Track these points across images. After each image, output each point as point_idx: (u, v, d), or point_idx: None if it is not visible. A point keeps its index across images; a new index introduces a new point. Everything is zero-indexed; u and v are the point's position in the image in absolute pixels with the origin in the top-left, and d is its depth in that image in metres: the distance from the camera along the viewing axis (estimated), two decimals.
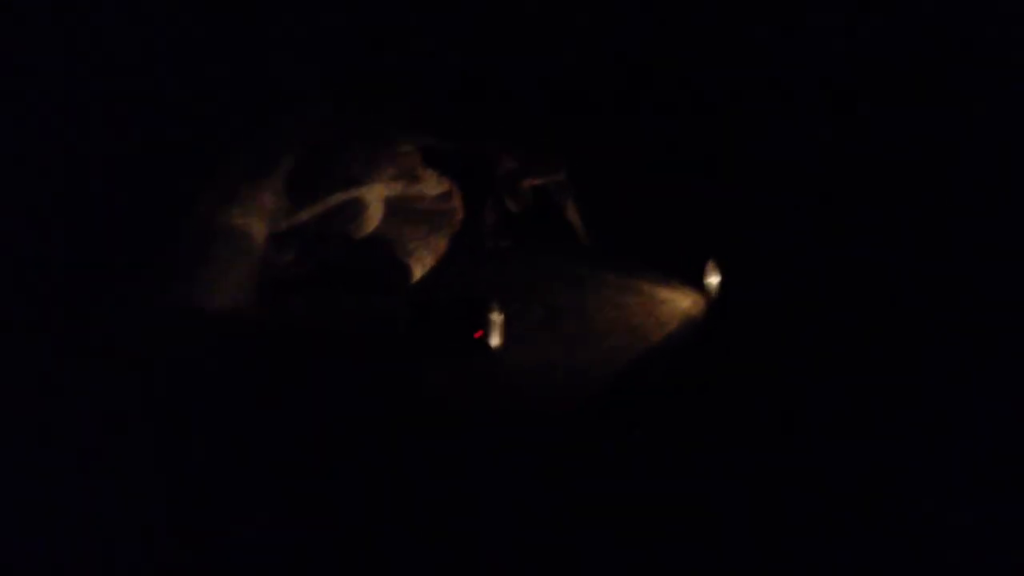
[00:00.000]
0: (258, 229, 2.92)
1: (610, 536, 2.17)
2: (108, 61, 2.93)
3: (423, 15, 3.17)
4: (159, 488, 2.24)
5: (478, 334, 2.74)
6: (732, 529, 2.23)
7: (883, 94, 3.05)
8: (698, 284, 3.22)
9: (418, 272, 3.13)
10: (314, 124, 3.10)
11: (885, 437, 2.46)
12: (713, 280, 3.18)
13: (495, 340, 2.76)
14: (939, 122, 2.93)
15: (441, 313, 2.81)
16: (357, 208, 3.08)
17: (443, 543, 2.16)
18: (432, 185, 3.27)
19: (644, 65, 3.27)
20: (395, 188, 3.16)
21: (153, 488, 2.23)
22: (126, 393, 2.49)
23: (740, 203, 3.21)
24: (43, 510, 2.09)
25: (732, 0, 3.22)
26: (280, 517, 2.19)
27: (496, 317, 2.81)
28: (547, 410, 2.59)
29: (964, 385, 2.49)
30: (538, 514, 2.24)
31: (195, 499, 2.22)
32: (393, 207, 3.19)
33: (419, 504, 2.26)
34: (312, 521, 2.19)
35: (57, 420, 2.38)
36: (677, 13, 3.22)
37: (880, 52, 3.06)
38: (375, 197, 3.11)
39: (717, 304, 3.14)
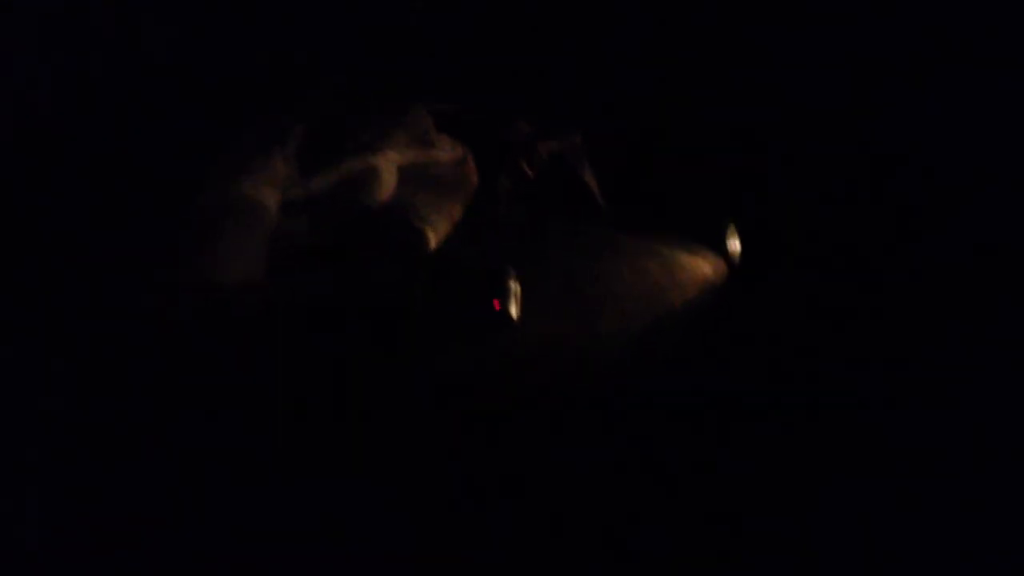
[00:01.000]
0: (271, 199, 2.88)
1: (631, 510, 2.16)
2: (118, 34, 2.89)
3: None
4: (170, 466, 2.25)
5: (496, 304, 2.70)
6: (752, 504, 2.23)
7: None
8: (720, 249, 3.16)
9: (433, 240, 3.07)
10: (327, 94, 3.04)
11: (908, 412, 2.44)
12: (735, 245, 3.12)
13: (513, 310, 2.72)
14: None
15: (457, 283, 2.77)
16: (370, 176, 3.02)
17: (463, 519, 2.15)
18: (446, 151, 3.21)
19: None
20: (408, 155, 3.10)
21: (164, 466, 2.24)
22: (140, 371, 2.49)
23: (762, 168, 3.16)
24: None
25: None
26: (292, 497, 2.19)
27: (514, 286, 2.76)
28: (566, 381, 2.57)
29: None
30: (559, 489, 2.23)
31: (206, 477, 2.23)
32: (407, 174, 3.13)
33: (438, 480, 2.25)
34: (326, 499, 2.19)
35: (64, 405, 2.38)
36: None
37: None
38: (388, 164, 3.06)
39: (739, 270, 3.09)
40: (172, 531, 2.15)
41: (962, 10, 2.82)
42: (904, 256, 2.87)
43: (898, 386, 2.52)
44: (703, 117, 3.33)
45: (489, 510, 2.19)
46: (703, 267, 3.11)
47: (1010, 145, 2.77)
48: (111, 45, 2.98)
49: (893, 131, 2.96)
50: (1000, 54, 2.79)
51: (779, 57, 3.14)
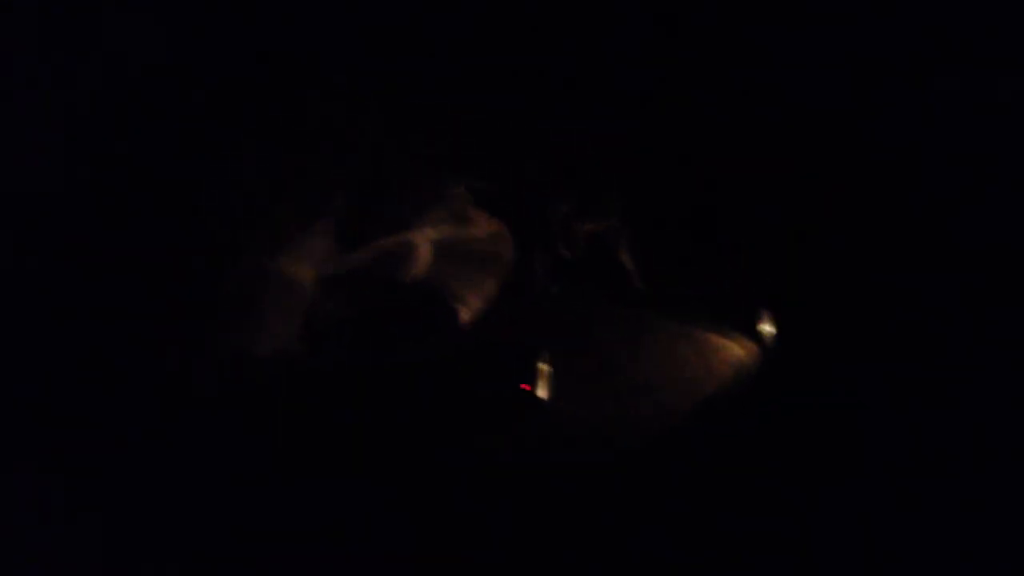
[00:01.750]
0: (308, 275, 2.90)
1: None
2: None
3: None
4: (202, 534, 2.26)
5: (526, 387, 2.69)
6: None
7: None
8: (752, 332, 3.13)
9: (466, 317, 3.07)
10: (362, 167, 3.07)
11: (946, 495, 2.40)
12: (767, 327, 3.09)
13: (543, 392, 2.70)
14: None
15: (486, 364, 2.76)
16: (406, 251, 3.04)
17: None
18: (482, 227, 3.21)
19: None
20: (445, 231, 3.11)
21: (195, 534, 2.25)
22: (171, 440, 2.51)
23: (794, 248, 3.14)
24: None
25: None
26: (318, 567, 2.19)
27: (544, 367, 2.75)
28: (597, 467, 2.54)
29: None
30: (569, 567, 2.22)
31: (234, 548, 2.24)
32: (442, 250, 3.14)
33: (466, 564, 2.24)
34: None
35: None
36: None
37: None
38: (424, 240, 3.07)
39: (772, 353, 3.06)
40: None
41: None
42: (943, 333, 2.82)
43: (941, 469, 2.47)
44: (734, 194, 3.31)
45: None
46: (736, 350, 3.08)
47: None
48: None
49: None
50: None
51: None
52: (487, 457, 2.56)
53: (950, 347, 2.68)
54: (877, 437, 2.58)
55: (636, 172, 3.27)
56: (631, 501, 2.44)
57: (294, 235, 2.90)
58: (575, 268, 3.34)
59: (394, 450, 2.56)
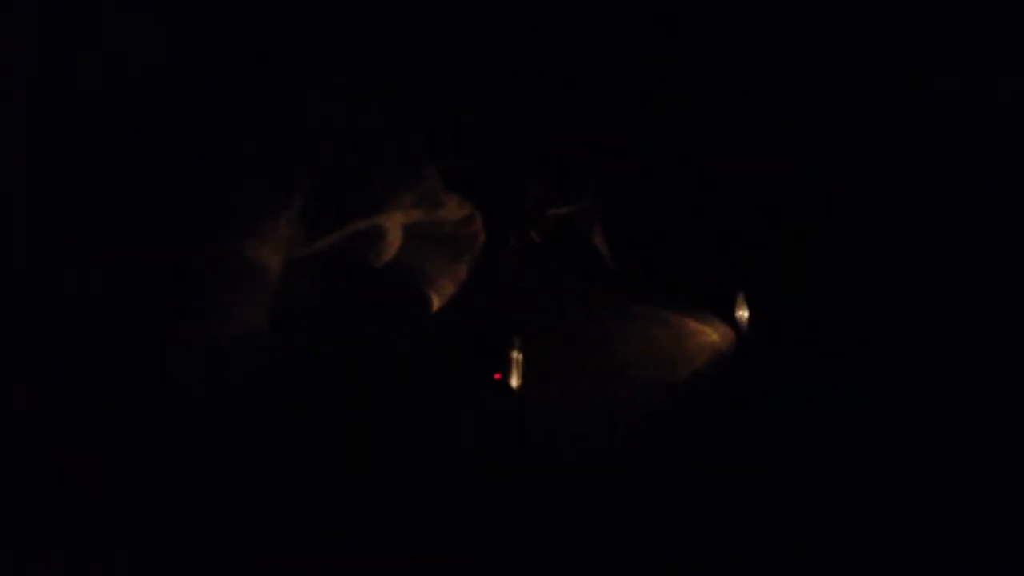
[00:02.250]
0: (274, 259, 2.83)
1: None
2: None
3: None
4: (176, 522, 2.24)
5: (497, 376, 2.66)
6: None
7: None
8: (728, 316, 3.11)
9: (437, 301, 3.04)
10: (330, 151, 3.00)
11: (923, 471, 2.37)
12: (743, 313, 3.06)
13: (514, 381, 2.68)
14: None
15: (458, 353, 2.73)
16: (376, 235, 2.98)
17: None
18: (454, 209, 3.15)
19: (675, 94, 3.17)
20: (415, 215, 3.05)
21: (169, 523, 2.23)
22: (142, 431, 2.46)
23: (770, 232, 3.12)
24: None
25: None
26: (289, 553, 2.18)
27: (516, 355, 2.73)
28: (570, 455, 2.52)
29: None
30: (566, 565, 2.20)
31: (210, 533, 2.21)
32: (413, 233, 3.08)
33: (436, 556, 2.22)
34: (322, 561, 2.17)
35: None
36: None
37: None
38: (395, 223, 3.01)
39: (747, 338, 3.04)
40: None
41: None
42: (916, 318, 2.81)
43: (914, 447, 2.47)
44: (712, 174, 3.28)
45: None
46: (711, 335, 3.05)
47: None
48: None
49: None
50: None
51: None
52: (459, 447, 2.53)
53: (940, 341, 2.66)
54: (850, 423, 2.57)
55: (610, 153, 3.22)
56: (605, 488, 2.42)
57: (259, 220, 2.83)
58: (548, 251, 3.31)
59: (366, 442, 2.52)
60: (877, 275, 2.86)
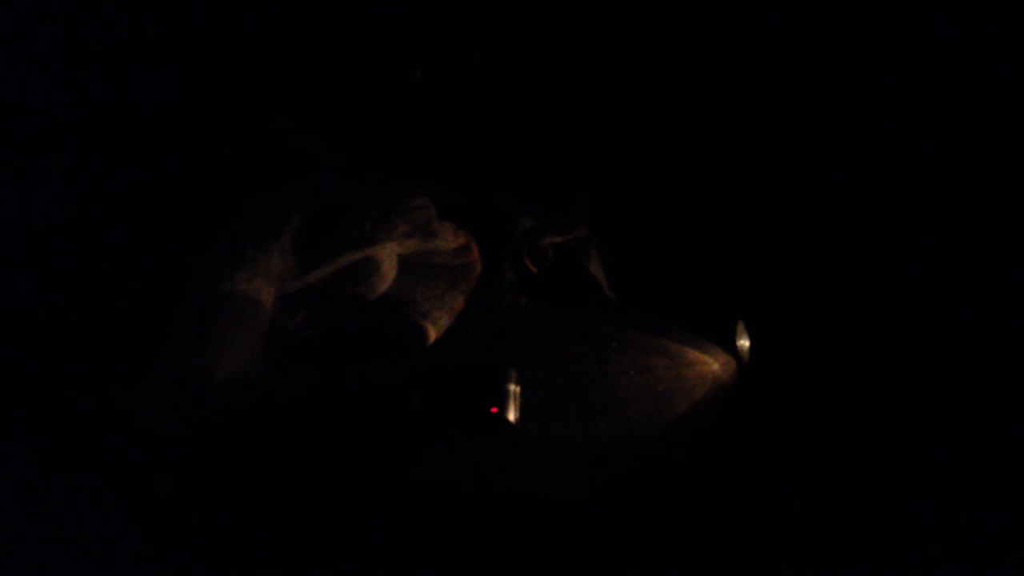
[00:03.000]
0: (266, 293, 2.78)
1: None
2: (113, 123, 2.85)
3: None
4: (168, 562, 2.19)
5: (494, 409, 2.61)
6: None
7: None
8: (729, 346, 3.06)
9: (433, 334, 3.00)
10: (323, 181, 2.97)
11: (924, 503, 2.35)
12: (744, 342, 3.02)
13: (511, 414, 2.63)
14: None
15: (454, 385, 2.68)
16: (369, 267, 2.93)
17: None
18: (448, 239, 3.12)
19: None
20: (409, 245, 3.01)
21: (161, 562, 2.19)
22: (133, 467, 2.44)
23: (771, 261, 3.09)
24: None
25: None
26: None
27: (513, 388, 2.68)
28: (566, 489, 2.48)
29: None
30: None
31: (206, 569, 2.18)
32: (407, 264, 3.05)
33: None
34: None
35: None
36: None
37: None
38: (388, 255, 2.97)
39: (748, 368, 2.99)
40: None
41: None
42: (919, 345, 2.78)
43: (917, 481, 2.43)
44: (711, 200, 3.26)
45: None
46: (712, 365, 3.01)
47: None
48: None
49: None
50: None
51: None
52: (454, 481, 2.49)
53: (945, 370, 2.64)
54: (855, 455, 2.53)
55: (605, 179, 3.20)
56: (602, 524, 2.38)
57: (251, 253, 2.79)
58: (543, 281, 3.28)
59: (362, 475, 2.49)
60: (879, 303, 2.84)
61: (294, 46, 3.08)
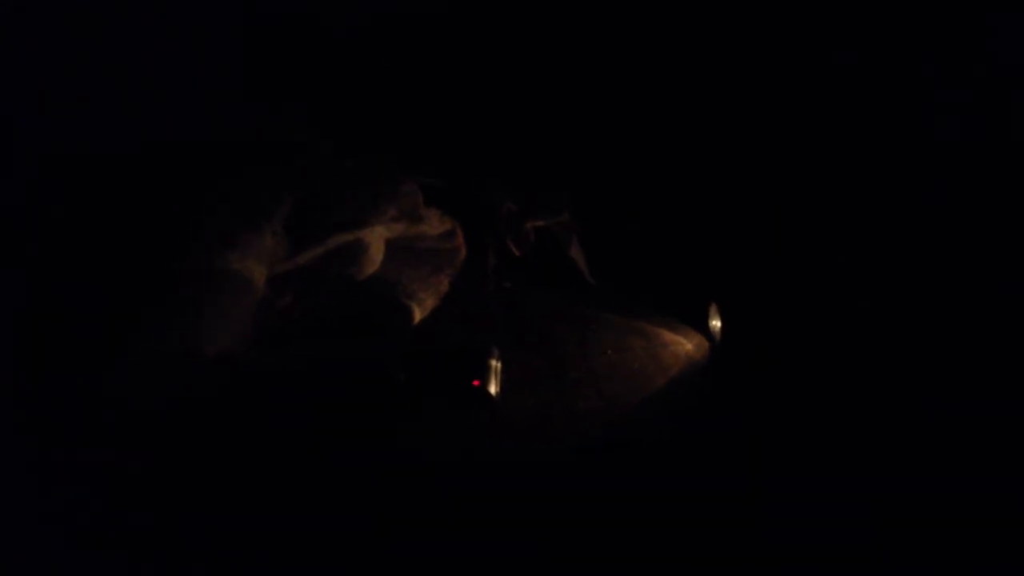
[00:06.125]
0: (258, 273, 2.89)
1: None
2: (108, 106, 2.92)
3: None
4: (157, 536, 2.24)
5: (476, 382, 2.71)
6: None
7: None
8: (701, 327, 3.18)
9: (418, 314, 3.10)
10: (313, 165, 3.07)
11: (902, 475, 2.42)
12: (717, 323, 3.14)
13: (493, 388, 2.73)
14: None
15: (438, 361, 2.78)
16: (358, 250, 3.04)
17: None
18: (435, 224, 3.23)
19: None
20: (396, 229, 3.12)
21: (151, 537, 2.24)
22: (125, 442, 2.50)
23: (744, 243, 3.18)
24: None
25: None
26: (274, 565, 2.19)
27: (495, 364, 2.78)
28: (546, 460, 2.56)
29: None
30: (538, 569, 2.21)
31: (192, 549, 2.23)
32: (394, 248, 3.16)
33: (415, 558, 2.24)
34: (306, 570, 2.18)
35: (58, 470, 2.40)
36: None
37: None
38: (376, 238, 3.08)
39: (720, 348, 3.10)
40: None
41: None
42: (890, 328, 2.86)
43: (889, 460, 2.50)
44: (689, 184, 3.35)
45: None
46: (686, 345, 3.12)
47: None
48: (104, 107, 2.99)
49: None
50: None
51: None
52: (437, 454, 2.57)
53: (917, 350, 2.69)
54: (826, 434, 2.60)
55: (586, 166, 3.29)
56: (580, 496, 2.44)
57: (244, 233, 2.89)
58: (526, 264, 3.39)
59: (347, 450, 2.56)
60: (851, 284, 2.92)
61: (285, 32, 3.15)
